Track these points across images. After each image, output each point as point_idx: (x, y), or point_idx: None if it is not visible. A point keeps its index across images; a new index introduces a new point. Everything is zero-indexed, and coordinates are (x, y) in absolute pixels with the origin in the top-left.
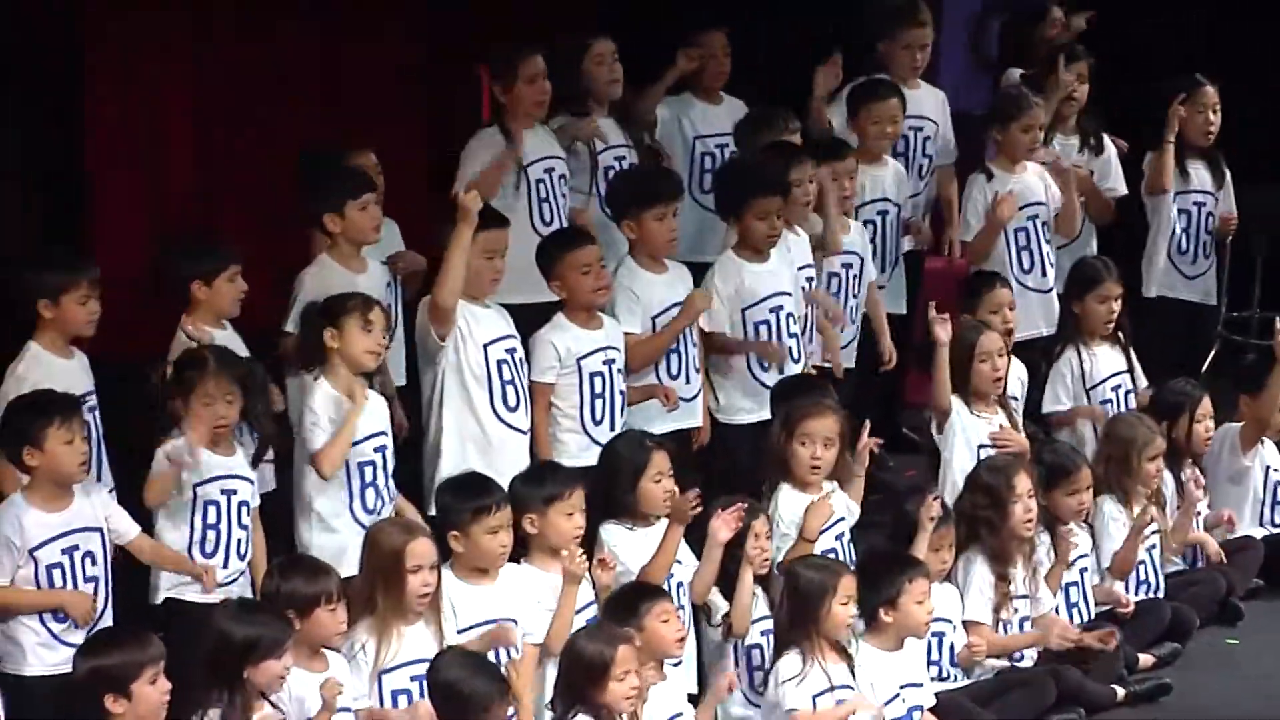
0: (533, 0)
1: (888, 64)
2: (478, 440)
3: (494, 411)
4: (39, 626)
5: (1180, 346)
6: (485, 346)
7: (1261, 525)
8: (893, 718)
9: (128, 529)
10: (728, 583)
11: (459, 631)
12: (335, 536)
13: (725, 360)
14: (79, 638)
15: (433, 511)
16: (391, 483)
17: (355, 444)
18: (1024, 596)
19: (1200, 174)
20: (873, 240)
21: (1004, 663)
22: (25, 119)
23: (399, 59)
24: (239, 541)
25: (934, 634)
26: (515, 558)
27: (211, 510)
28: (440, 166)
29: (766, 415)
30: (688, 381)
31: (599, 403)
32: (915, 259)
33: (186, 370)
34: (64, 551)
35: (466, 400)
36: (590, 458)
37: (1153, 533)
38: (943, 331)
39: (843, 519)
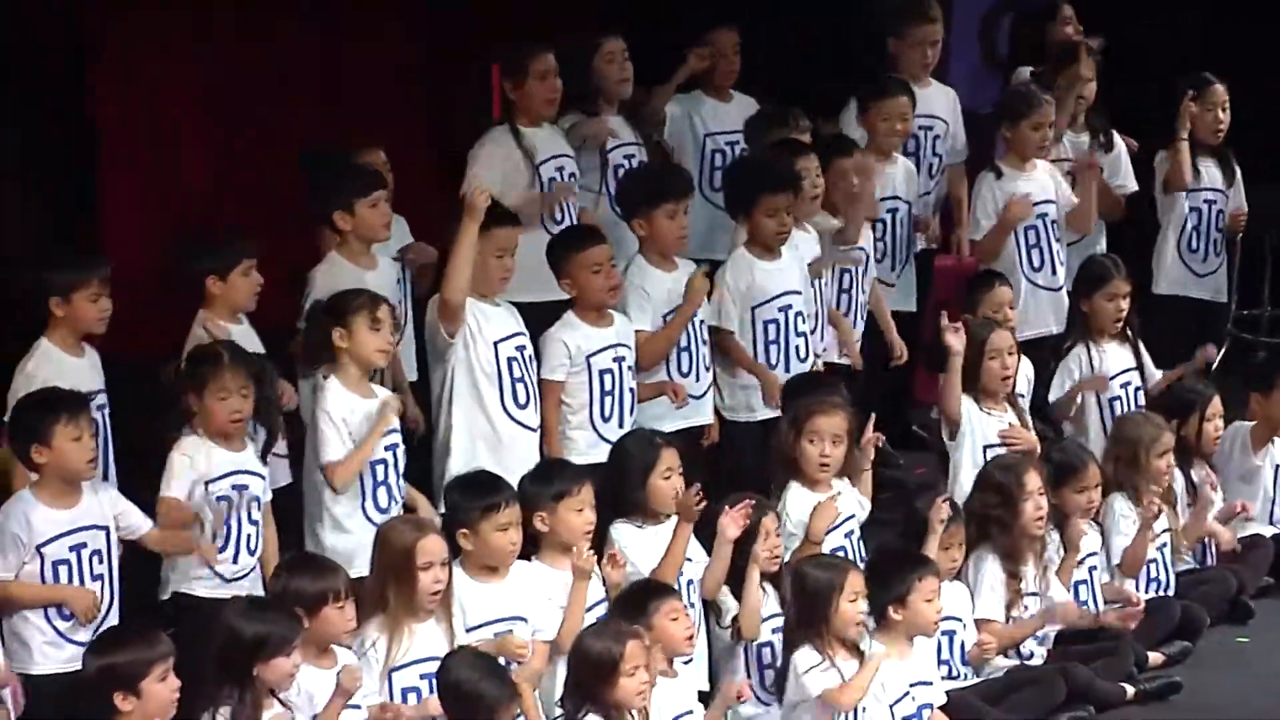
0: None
1: (898, 61)
2: (487, 438)
3: (504, 409)
4: (45, 625)
5: (1190, 344)
6: (496, 344)
7: (1272, 523)
8: (903, 716)
9: (139, 523)
10: (739, 580)
11: (468, 629)
12: (348, 537)
13: (731, 359)
14: (85, 635)
15: (443, 509)
16: (402, 480)
17: None
18: (1035, 594)
19: (1210, 171)
20: (882, 238)
21: (1014, 661)
22: (31, 118)
23: (400, 58)
24: (249, 537)
25: (944, 633)
26: (526, 556)
27: (223, 506)
28: (443, 165)
29: (772, 414)
30: (698, 379)
31: (608, 400)
32: (925, 257)
33: (200, 365)
34: (71, 549)
35: (477, 398)
36: (599, 455)
37: (1164, 531)
38: (956, 341)
39: (853, 516)
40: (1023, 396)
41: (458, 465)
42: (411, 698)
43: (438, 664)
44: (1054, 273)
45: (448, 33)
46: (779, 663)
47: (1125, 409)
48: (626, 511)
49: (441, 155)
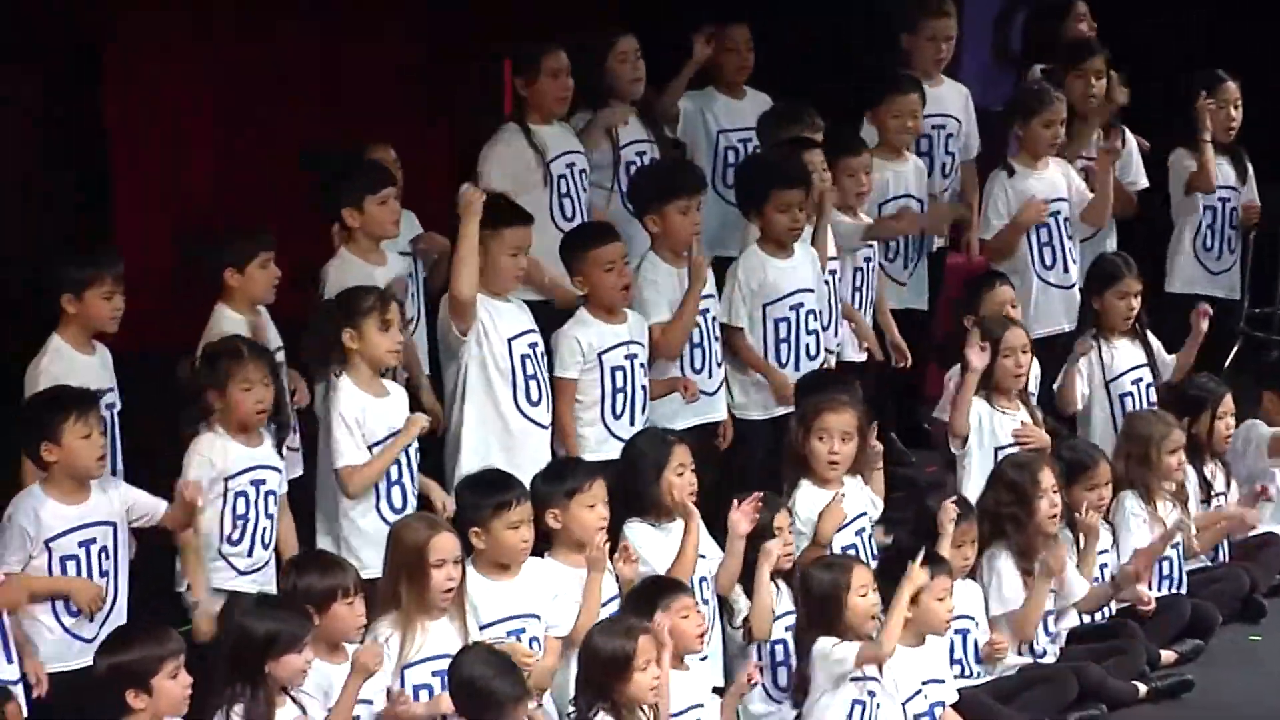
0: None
1: (911, 57)
2: (499, 434)
3: (517, 406)
4: (53, 622)
5: (1203, 342)
6: (510, 341)
7: None
8: (915, 713)
9: (155, 506)
10: (752, 576)
11: (481, 627)
12: (362, 537)
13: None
14: (91, 631)
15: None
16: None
17: (379, 442)
18: (1051, 590)
19: (1224, 169)
20: (895, 237)
21: (1026, 659)
22: (43, 117)
23: (404, 57)
24: (264, 531)
25: (957, 631)
26: (539, 553)
27: (241, 502)
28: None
29: (782, 411)
30: (710, 375)
31: (620, 397)
32: (937, 255)
33: (220, 359)
34: (80, 544)
35: (490, 394)
36: (609, 451)
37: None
38: (977, 360)
39: (863, 514)
40: (1031, 394)
41: (469, 461)
42: (423, 695)
43: (450, 661)
44: (1066, 270)
45: (448, 32)
46: (791, 661)
47: (1136, 406)
48: (640, 510)
49: (449, 153)
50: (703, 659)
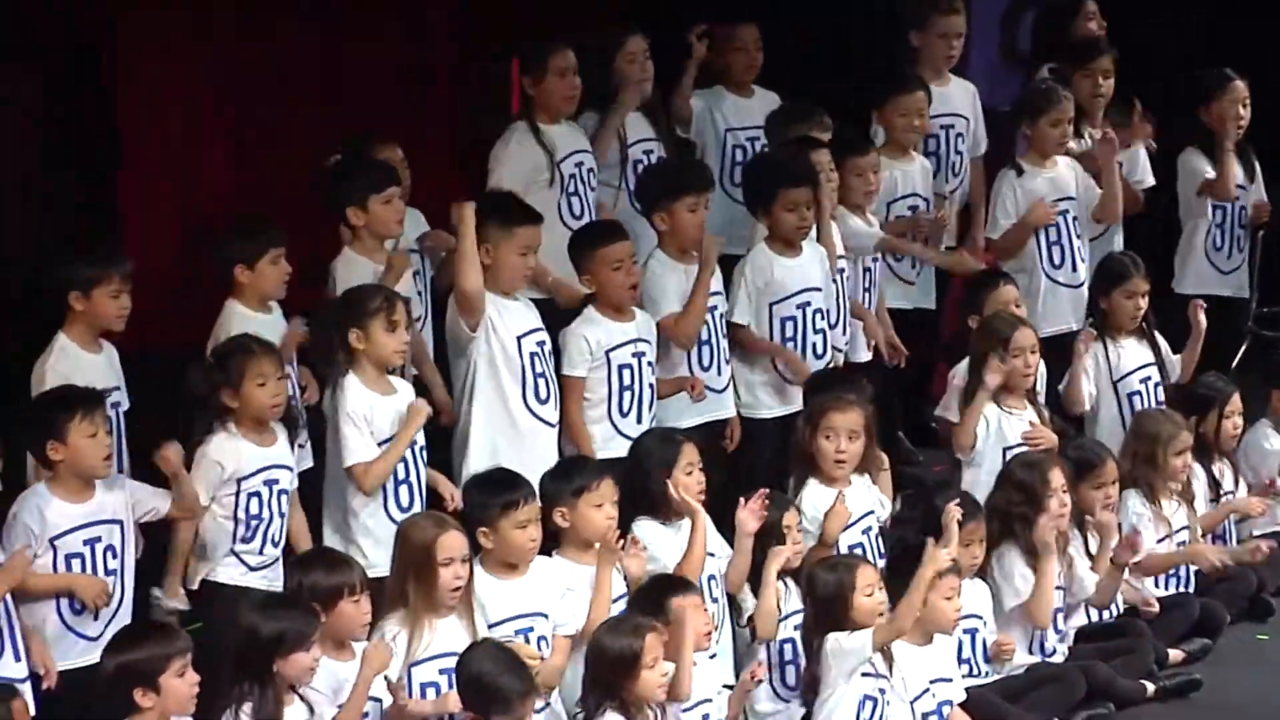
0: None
1: (920, 54)
2: (507, 432)
3: (525, 404)
4: (56, 620)
5: (1211, 341)
6: (519, 339)
7: None
8: (923, 712)
9: (159, 500)
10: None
11: (489, 626)
12: (371, 536)
13: (748, 355)
14: (95, 629)
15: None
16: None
17: (387, 439)
18: (1061, 588)
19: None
20: (903, 236)
21: (1034, 658)
22: (43, 117)
23: (404, 57)
24: (276, 529)
25: (966, 630)
26: (546, 551)
27: (254, 502)
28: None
29: (789, 410)
30: (719, 374)
31: (627, 395)
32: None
33: (232, 357)
34: (86, 542)
35: (498, 391)
36: (615, 449)
37: (1182, 528)
38: (993, 380)
39: (871, 513)
40: (1039, 395)
41: (477, 459)
42: (430, 692)
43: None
44: (1075, 269)
45: (448, 32)
46: (800, 660)
47: (1144, 405)
48: (647, 509)
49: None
50: (711, 656)
